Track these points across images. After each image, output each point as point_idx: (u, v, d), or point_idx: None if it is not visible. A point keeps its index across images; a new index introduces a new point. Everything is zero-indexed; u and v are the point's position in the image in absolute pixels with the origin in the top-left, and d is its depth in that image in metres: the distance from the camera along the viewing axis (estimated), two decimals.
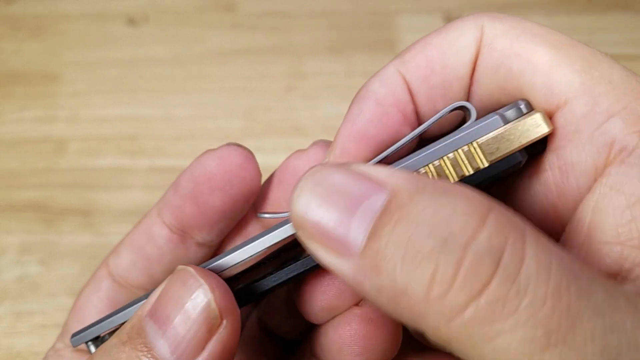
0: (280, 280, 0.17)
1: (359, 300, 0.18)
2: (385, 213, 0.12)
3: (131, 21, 0.48)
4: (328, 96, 0.44)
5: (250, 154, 0.20)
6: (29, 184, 0.41)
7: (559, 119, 0.16)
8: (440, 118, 0.17)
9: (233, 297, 0.15)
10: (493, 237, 0.11)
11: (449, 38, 0.17)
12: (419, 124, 0.17)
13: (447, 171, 0.15)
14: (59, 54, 0.46)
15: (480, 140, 0.15)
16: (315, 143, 0.20)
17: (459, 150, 0.15)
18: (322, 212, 0.13)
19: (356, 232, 0.12)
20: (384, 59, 0.50)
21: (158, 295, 0.15)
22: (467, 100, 0.17)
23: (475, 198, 0.12)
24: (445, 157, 0.15)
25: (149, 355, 0.14)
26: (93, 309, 0.20)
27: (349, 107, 0.18)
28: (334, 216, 0.12)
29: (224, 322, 0.14)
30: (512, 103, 0.16)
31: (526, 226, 0.12)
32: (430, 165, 0.15)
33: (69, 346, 0.20)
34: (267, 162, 0.42)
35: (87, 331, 0.18)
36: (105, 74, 0.45)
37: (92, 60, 0.46)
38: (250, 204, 0.20)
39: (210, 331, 0.14)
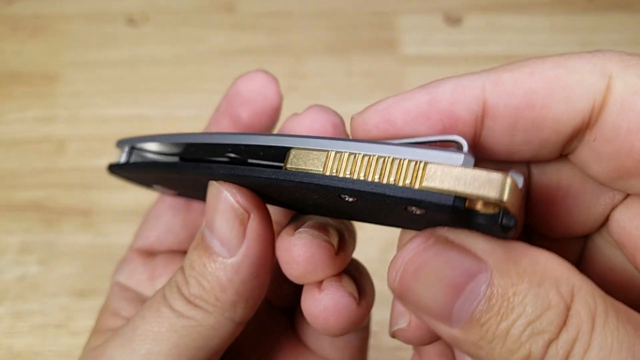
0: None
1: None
2: (489, 301, 0.14)
3: (131, 21, 0.48)
4: (328, 96, 0.44)
5: (272, 77, 0.23)
6: (29, 184, 0.41)
7: None
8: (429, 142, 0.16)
9: (255, 196, 0.18)
10: (570, 332, 0.13)
11: (565, 78, 0.15)
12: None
13: (385, 170, 0.14)
14: (59, 54, 0.46)
15: (431, 163, 0.14)
16: (310, 107, 0.21)
17: (408, 160, 0.14)
18: (425, 292, 0.14)
19: (459, 312, 0.14)
20: (384, 58, 0.50)
21: (205, 208, 0.18)
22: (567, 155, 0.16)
23: (562, 282, 0.14)
24: (393, 157, 0.14)
25: (210, 252, 0.18)
26: (161, 219, 0.25)
27: (415, 90, 0.16)
28: (438, 298, 0.14)
29: (252, 215, 0.18)
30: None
31: (597, 305, 0.14)
32: (380, 158, 0.15)
33: (137, 253, 0.24)
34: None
35: (131, 140, 0.22)
36: (105, 74, 0.45)
37: (92, 60, 0.46)
38: (273, 123, 0.23)
39: (243, 223, 0.17)
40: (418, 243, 0.14)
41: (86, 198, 0.40)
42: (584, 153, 0.16)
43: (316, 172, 0.15)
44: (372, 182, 0.15)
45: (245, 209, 0.18)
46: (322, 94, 0.44)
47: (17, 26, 0.48)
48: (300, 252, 0.18)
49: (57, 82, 0.45)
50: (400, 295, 0.15)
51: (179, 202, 0.25)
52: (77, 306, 0.36)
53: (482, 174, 0.13)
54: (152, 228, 0.25)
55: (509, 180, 0.13)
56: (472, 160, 0.14)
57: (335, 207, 0.17)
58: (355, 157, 0.15)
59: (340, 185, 0.15)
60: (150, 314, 0.18)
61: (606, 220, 0.18)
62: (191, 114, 0.44)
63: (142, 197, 0.40)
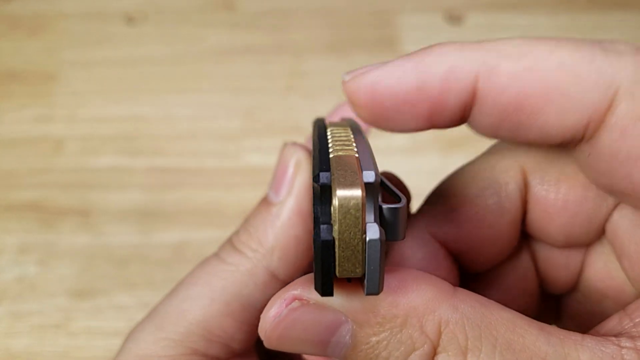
0: None
1: None
2: (354, 349, 0.14)
3: (130, 20, 0.48)
4: (328, 95, 0.44)
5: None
6: (27, 183, 0.41)
7: None
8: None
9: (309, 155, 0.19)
10: None
11: (565, 86, 0.14)
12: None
13: (340, 141, 0.15)
14: (57, 52, 0.46)
15: (356, 157, 0.14)
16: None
17: (355, 151, 0.14)
18: (294, 349, 0.14)
19: (332, 354, 0.14)
20: (384, 57, 0.49)
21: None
22: None
23: (427, 320, 0.13)
24: (346, 147, 0.14)
25: (265, 202, 0.19)
26: None
27: (405, 64, 0.15)
28: (308, 351, 0.14)
29: (302, 167, 0.18)
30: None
31: (468, 339, 0.13)
32: (349, 139, 0.15)
33: None
34: (267, 162, 0.42)
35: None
36: (103, 73, 0.45)
37: (90, 59, 0.46)
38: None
39: (295, 173, 0.18)
40: (274, 313, 0.14)
41: (85, 198, 0.40)
42: (579, 159, 0.15)
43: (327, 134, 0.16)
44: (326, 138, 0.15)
45: (299, 162, 0.18)
46: (322, 93, 0.44)
47: (15, 25, 0.48)
48: None
49: (56, 81, 0.45)
50: (272, 348, 0.15)
51: None
52: (76, 306, 0.36)
53: (355, 177, 0.13)
54: None
55: (356, 199, 0.12)
56: (372, 178, 0.13)
57: None
58: (347, 136, 0.15)
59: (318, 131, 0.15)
60: (198, 265, 0.19)
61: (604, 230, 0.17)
62: (190, 114, 0.44)
63: (141, 197, 0.40)
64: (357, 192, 0.12)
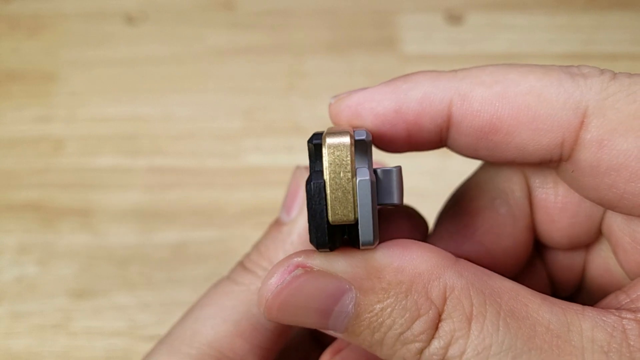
0: None
1: None
2: (357, 318, 0.14)
3: (130, 20, 0.48)
4: (328, 95, 0.43)
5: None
6: (26, 183, 0.41)
7: None
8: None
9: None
10: (442, 339, 0.13)
11: (535, 108, 0.15)
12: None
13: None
14: (57, 52, 0.46)
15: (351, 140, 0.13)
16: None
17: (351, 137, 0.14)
18: (296, 319, 0.14)
19: (334, 326, 0.14)
20: (384, 57, 0.49)
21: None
22: None
23: (433, 286, 0.13)
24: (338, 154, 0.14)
25: (276, 222, 0.19)
26: None
27: (384, 90, 0.17)
28: (310, 321, 0.14)
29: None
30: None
31: (473, 306, 0.13)
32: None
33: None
34: (267, 162, 0.42)
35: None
36: (103, 73, 0.45)
37: (90, 59, 0.46)
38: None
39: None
40: (276, 280, 0.14)
41: (85, 198, 0.40)
42: (565, 178, 0.16)
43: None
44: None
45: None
46: (322, 93, 0.44)
47: (15, 25, 0.47)
48: None
49: (55, 81, 0.45)
50: (272, 321, 0.15)
51: None
52: (76, 307, 0.36)
53: (345, 132, 0.13)
54: None
55: (344, 143, 0.13)
56: (363, 135, 0.14)
57: None
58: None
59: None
60: (210, 287, 0.19)
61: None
62: (190, 114, 0.44)
63: (141, 197, 0.40)
64: (346, 138, 0.13)
